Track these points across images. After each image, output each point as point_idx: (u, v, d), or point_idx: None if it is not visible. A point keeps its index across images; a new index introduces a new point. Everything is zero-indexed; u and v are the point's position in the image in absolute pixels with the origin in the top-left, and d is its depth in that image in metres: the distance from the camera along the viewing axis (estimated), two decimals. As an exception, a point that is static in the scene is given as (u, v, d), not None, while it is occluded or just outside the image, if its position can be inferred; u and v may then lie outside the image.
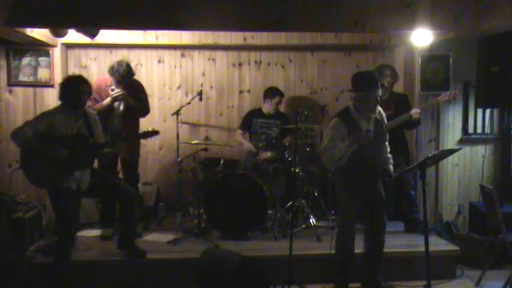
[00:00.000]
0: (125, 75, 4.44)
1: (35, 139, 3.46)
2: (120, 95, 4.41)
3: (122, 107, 4.51)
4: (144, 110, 4.70)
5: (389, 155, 3.69)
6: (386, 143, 3.68)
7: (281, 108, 5.35)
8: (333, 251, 3.67)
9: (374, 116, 3.48)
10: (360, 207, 3.59)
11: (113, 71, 4.41)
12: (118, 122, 4.51)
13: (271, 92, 5.27)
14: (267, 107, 5.26)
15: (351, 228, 3.56)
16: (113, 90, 4.43)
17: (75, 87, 3.61)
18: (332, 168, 3.60)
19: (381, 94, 3.47)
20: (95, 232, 4.60)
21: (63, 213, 3.58)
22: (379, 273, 3.67)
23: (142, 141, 5.45)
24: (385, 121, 3.63)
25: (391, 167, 3.67)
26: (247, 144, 5.20)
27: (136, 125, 4.71)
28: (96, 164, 4.10)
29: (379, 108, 3.56)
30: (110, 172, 4.44)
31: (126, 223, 3.98)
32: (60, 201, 3.57)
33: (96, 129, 3.79)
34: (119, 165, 4.76)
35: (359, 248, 3.73)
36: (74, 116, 3.64)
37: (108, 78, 4.55)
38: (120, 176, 4.78)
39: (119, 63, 4.45)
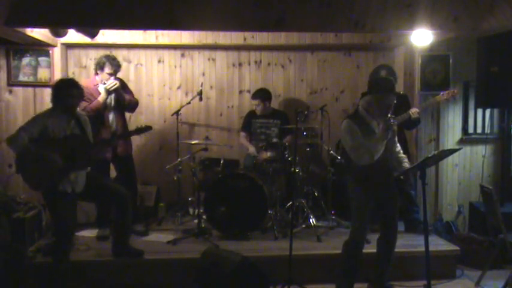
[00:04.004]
0: (118, 66, 4.54)
1: (32, 144, 3.45)
2: (114, 85, 4.43)
3: (113, 103, 4.55)
4: (134, 103, 4.73)
5: (404, 155, 3.65)
6: (398, 145, 3.66)
7: (266, 110, 5.27)
8: (337, 251, 3.65)
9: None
10: (372, 209, 3.55)
11: (103, 64, 4.46)
12: (112, 118, 4.56)
13: (252, 94, 5.32)
14: None
15: (364, 231, 3.53)
16: (104, 83, 4.45)
17: (65, 91, 3.61)
18: (365, 163, 3.37)
19: (395, 101, 3.43)
20: (95, 232, 4.60)
21: (59, 216, 3.58)
22: (386, 274, 3.66)
23: (142, 140, 5.48)
24: (395, 126, 3.52)
25: (406, 164, 3.62)
26: (251, 149, 5.19)
27: (125, 120, 4.78)
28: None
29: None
30: (102, 172, 4.41)
31: (120, 226, 3.97)
32: (55, 204, 3.57)
33: (88, 130, 3.79)
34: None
35: (363, 248, 3.73)
36: (66, 117, 3.64)
37: (94, 79, 4.59)
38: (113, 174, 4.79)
39: (108, 56, 4.52)
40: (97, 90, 4.49)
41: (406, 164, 3.59)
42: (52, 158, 3.47)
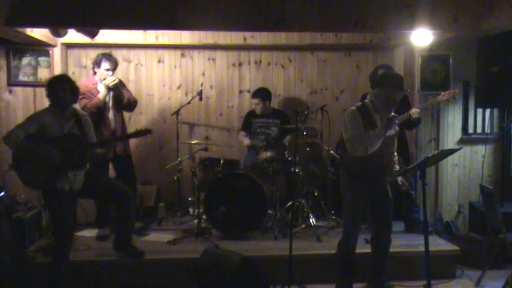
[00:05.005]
0: (116, 62, 4.55)
1: (27, 142, 3.46)
2: (114, 81, 4.43)
3: (111, 101, 4.55)
4: (133, 101, 4.73)
5: (395, 159, 3.66)
6: (395, 151, 3.66)
7: (265, 110, 5.27)
8: (334, 251, 3.66)
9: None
10: (365, 207, 3.56)
11: (100, 60, 4.47)
12: (111, 116, 4.57)
13: (252, 93, 5.32)
14: None
15: (357, 229, 3.54)
16: (104, 79, 4.45)
17: (57, 87, 3.61)
18: (358, 154, 3.36)
19: (400, 98, 3.44)
20: (95, 232, 4.60)
21: (58, 215, 3.58)
22: (384, 273, 3.66)
23: (142, 140, 5.47)
24: (397, 126, 3.57)
25: (397, 167, 3.64)
26: (247, 141, 5.22)
27: (124, 118, 4.78)
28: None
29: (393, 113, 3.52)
30: (101, 171, 4.41)
31: (122, 224, 3.97)
32: (54, 202, 3.57)
33: (88, 130, 3.79)
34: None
35: (361, 248, 3.72)
36: (64, 116, 3.64)
37: (92, 78, 4.60)
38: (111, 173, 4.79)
39: (104, 53, 4.54)
40: (96, 88, 4.49)
41: (397, 167, 3.61)
42: (48, 156, 3.47)
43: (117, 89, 4.50)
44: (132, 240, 4.07)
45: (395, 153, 3.67)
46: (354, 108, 3.45)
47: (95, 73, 4.57)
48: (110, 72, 4.49)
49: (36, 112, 3.79)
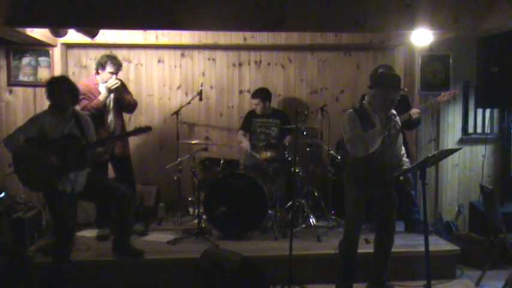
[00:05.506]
0: (120, 65, 4.54)
1: (27, 145, 3.46)
2: (116, 84, 4.43)
3: (112, 103, 4.55)
4: (134, 103, 4.72)
5: (406, 159, 3.66)
6: (403, 148, 3.66)
7: (265, 110, 5.26)
8: (336, 251, 3.66)
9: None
10: (367, 208, 3.55)
11: (105, 62, 4.45)
12: (111, 119, 4.56)
13: (252, 93, 5.31)
14: None
15: (358, 229, 3.54)
16: (105, 82, 4.44)
17: (55, 87, 3.60)
18: (359, 154, 3.38)
19: (399, 98, 3.44)
20: (95, 232, 4.59)
21: (59, 216, 3.58)
22: (385, 274, 3.66)
23: (142, 140, 5.48)
24: (399, 123, 3.58)
25: (405, 167, 3.62)
26: (245, 144, 5.20)
27: (123, 120, 4.76)
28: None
29: (393, 110, 3.52)
30: (101, 172, 4.39)
31: (121, 225, 3.96)
32: (55, 204, 3.57)
33: (88, 130, 3.78)
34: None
35: (362, 248, 3.72)
36: (64, 117, 3.64)
37: (94, 78, 4.59)
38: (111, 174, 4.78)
39: (109, 55, 4.53)
40: (97, 89, 4.49)
41: (405, 167, 3.59)
42: (46, 159, 3.46)
43: (118, 91, 4.49)
44: (130, 241, 4.07)
45: (404, 153, 3.67)
46: (351, 110, 3.47)
47: (97, 73, 4.56)
48: (114, 75, 4.48)
49: (36, 114, 3.79)
